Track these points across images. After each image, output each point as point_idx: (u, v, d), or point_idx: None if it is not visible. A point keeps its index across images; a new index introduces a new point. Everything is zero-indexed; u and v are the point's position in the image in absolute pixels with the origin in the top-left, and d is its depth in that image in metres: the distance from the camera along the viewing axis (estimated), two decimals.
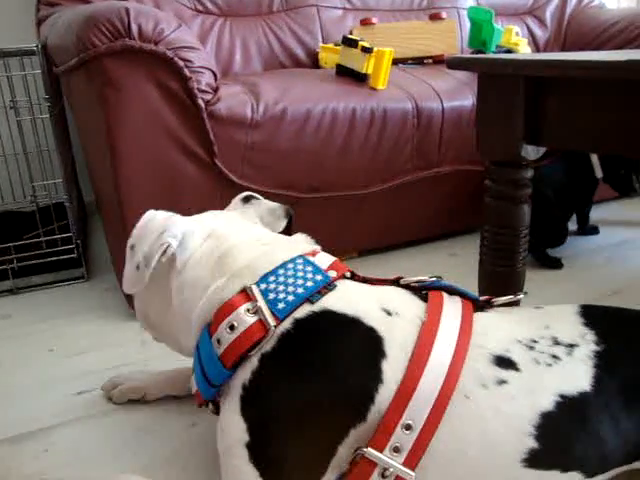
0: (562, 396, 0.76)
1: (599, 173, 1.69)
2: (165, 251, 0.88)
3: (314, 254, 0.89)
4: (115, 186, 1.38)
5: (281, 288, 0.81)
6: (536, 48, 2.57)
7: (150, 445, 1.04)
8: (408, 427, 0.73)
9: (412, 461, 0.74)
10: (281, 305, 0.79)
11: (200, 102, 1.38)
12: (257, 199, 1.05)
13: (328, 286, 0.83)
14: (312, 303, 0.80)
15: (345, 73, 1.72)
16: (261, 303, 0.79)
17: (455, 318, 0.81)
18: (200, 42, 1.93)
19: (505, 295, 0.92)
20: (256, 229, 0.96)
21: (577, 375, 0.78)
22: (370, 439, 0.74)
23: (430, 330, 0.78)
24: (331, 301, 0.81)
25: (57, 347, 1.39)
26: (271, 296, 0.80)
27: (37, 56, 1.60)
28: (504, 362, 0.78)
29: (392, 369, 0.75)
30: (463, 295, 0.88)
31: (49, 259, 1.73)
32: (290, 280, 0.82)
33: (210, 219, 0.97)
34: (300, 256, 0.86)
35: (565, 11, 2.64)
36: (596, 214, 2.21)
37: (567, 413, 0.76)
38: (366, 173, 1.64)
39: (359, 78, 1.68)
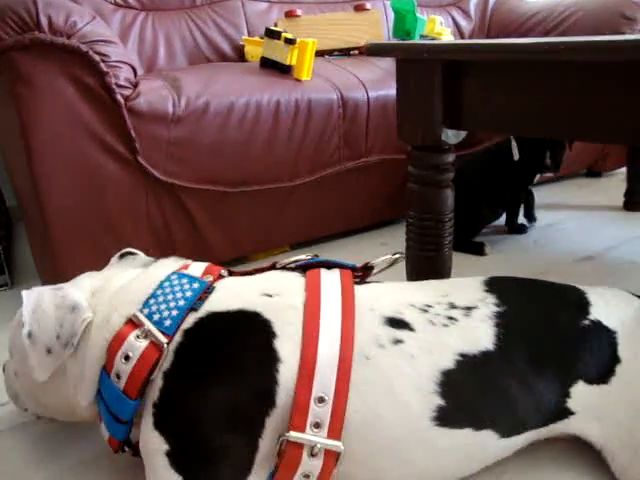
0: (463, 355, 0.79)
1: (516, 155, 1.72)
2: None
3: (186, 267, 0.90)
4: (34, 187, 1.33)
5: (163, 307, 0.82)
6: (461, 38, 2.62)
7: (77, 448, 1.01)
8: (321, 400, 0.74)
9: (335, 432, 0.75)
10: (167, 322, 0.80)
11: (119, 98, 1.34)
12: (134, 254, 1.05)
13: (207, 290, 0.84)
14: (196, 310, 0.81)
15: (269, 65, 1.71)
16: (148, 325, 0.80)
17: (335, 287, 0.83)
18: (121, 38, 1.90)
19: (431, 278, 0.93)
20: (127, 270, 0.94)
21: (477, 335, 0.81)
22: (289, 423, 0.74)
23: (313, 301, 0.80)
24: (213, 303, 0.82)
25: None
26: (156, 317, 0.81)
27: None
28: (397, 323, 0.80)
29: (287, 346, 0.77)
30: (341, 266, 0.91)
31: None
32: (169, 297, 0.83)
33: (89, 280, 0.93)
34: (173, 272, 0.87)
35: (488, 3, 2.71)
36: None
37: (470, 371, 0.78)
38: (293, 165, 1.63)
39: (283, 70, 1.67)
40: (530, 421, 0.82)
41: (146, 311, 0.82)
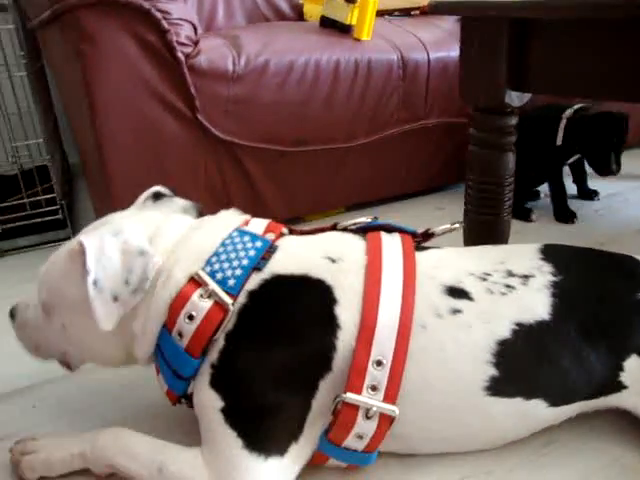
0: (519, 324, 0.78)
1: (559, 140, 1.63)
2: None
3: (247, 223, 0.88)
4: (96, 144, 1.36)
5: (226, 265, 0.80)
6: None
7: (135, 400, 1.05)
8: (379, 363, 0.74)
9: (391, 396, 0.75)
10: (231, 282, 0.79)
11: (180, 55, 1.35)
12: (169, 197, 0.98)
13: (270, 249, 0.83)
14: (260, 270, 0.80)
15: (329, 24, 1.69)
16: (212, 285, 0.79)
17: (396, 252, 0.82)
18: None
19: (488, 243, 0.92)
20: (182, 219, 0.91)
21: (534, 304, 0.79)
22: (346, 384, 0.75)
23: (374, 267, 0.80)
24: (277, 263, 0.81)
25: None
26: (219, 276, 0.80)
27: (9, 11, 1.56)
28: (456, 292, 0.79)
29: (347, 312, 0.77)
30: (401, 231, 0.89)
31: (34, 221, 1.71)
32: (232, 255, 0.81)
33: (135, 225, 0.87)
34: (235, 229, 0.85)
35: None
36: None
37: (525, 341, 0.77)
38: (351, 126, 1.62)
39: (343, 29, 1.65)
40: (581, 392, 0.81)
41: (208, 269, 0.81)
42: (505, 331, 0.77)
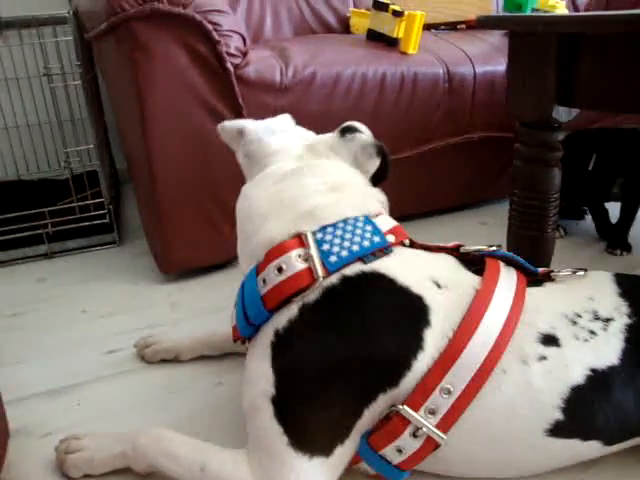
0: (593, 370, 0.77)
1: (590, 165, 1.55)
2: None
3: (378, 215, 0.87)
4: (145, 151, 1.39)
5: (337, 242, 0.80)
6: (576, 12, 2.49)
7: (177, 402, 1.07)
8: (447, 391, 0.73)
9: (445, 425, 0.75)
10: (333, 258, 0.78)
11: (229, 66, 1.37)
12: (352, 134, 0.97)
13: (384, 250, 0.81)
14: (364, 263, 0.79)
15: (376, 38, 1.70)
16: (314, 252, 0.79)
17: (509, 292, 0.80)
18: (231, 8, 1.93)
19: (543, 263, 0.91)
20: (336, 172, 0.91)
21: (608, 350, 0.78)
22: (407, 397, 0.74)
23: (483, 301, 0.78)
24: (383, 265, 0.80)
25: (90, 308, 1.43)
26: (325, 247, 0.79)
27: (69, 23, 1.61)
28: (548, 340, 0.78)
29: (435, 338, 0.75)
30: (521, 266, 0.87)
31: (82, 224, 1.76)
32: (347, 236, 0.80)
33: (303, 140, 0.99)
34: (364, 214, 0.85)
35: None
36: None
37: (595, 387, 0.76)
38: (396, 138, 1.62)
39: (390, 42, 1.66)
40: (636, 430, 0.80)
41: (319, 235, 0.80)
42: (580, 377, 0.76)
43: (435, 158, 1.71)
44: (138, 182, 1.62)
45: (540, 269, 0.89)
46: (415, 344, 0.75)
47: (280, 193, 0.87)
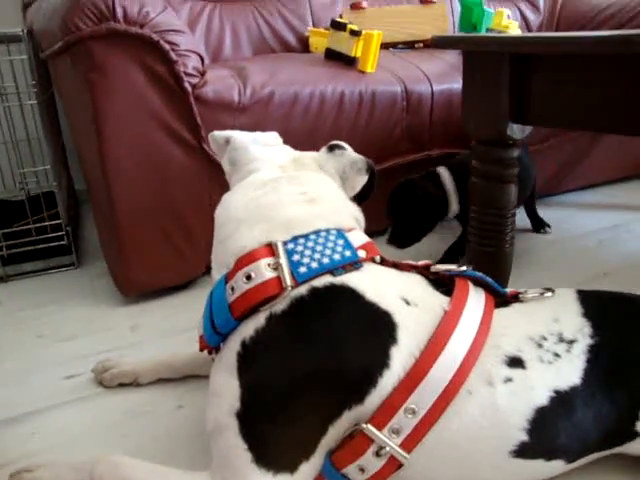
0: (556, 391, 0.77)
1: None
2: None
3: (350, 230, 0.87)
4: (103, 172, 1.37)
5: (307, 253, 0.80)
6: (529, 32, 2.56)
7: (138, 427, 1.04)
8: (411, 411, 0.73)
9: (409, 444, 0.74)
10: (302, 269, 0.78)
11: (187, 86, 1.37)
12: (341, 150, 1.01)
13: (354, 264, 0.81)
14: (334, 276, 0.79)
15: (334, 57, 1.72)
16: (283, 261, 0.78)
17: (477, 314, 0.80)
18: (189, 28, 1.93)
19: (493, 275, 0.92)
20: (315, 184, 0.92)
21: (571, 370, 0.79)
22: (371, 416, 0.74)
23: (450, 322, 0.78)
24: (353, 279, 0.79)
25: (47, 333, 1.39)
26: (295, 258, 0.79)
27: (23, 42, 1.59)
28: (514, 362, 0.78)
29: (401, 356, 0.75)
30: (489, 287, 0.88)
31: (39, 246, 1.72)
32: (318, 248, 0.80)
33: (288, 153, 1.01)
34: (336, 228, 0.85)
35: None
36: (589, 198, 2.22)
37: (558, 407, 0.77)
38: None
39: (348, 61, 1.67)
40: (598, 446, 0.81)
41: (291, 246, 0.80)
42: (543, 399, 0.77)
43: (395, 175, 1.72)
44: (97, 203, 1.59)
45: (508, 290, 0.90)
46: (381, 361, 0.74)
47: (256, 200, 0.88)
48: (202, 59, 1.43)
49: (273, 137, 1.08)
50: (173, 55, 1.34)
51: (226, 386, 0.76)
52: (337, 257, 0.80)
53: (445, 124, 1.74)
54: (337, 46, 1.71)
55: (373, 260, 0.86)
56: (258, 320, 0.77)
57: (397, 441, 0.74)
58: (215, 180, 1.48)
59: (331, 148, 1.01)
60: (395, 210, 1.53)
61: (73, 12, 1.27)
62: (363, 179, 1.00)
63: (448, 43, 1.12)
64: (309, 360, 0.74)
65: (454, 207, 1.50)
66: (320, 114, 1.55)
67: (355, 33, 1.63)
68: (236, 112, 1.44)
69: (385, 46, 2.05)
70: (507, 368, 0.77)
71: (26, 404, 1.13)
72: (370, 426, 0.74)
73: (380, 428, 0.74)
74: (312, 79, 1.56)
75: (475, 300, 0.83)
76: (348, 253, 0.81)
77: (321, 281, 0.78)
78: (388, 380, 0.74)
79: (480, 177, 1.14)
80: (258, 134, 1.05)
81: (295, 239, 0.82)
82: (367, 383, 0.74)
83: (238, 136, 1.02)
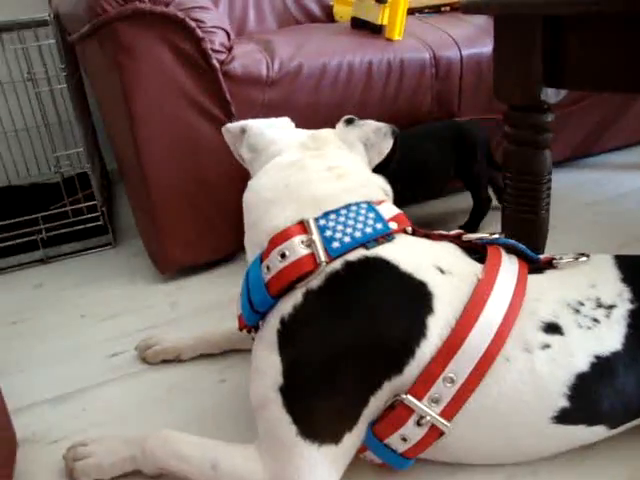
0: (597, 357, 0.77)
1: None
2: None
3: (380, 202, 0.88)
4: (135, 152, 1.39)
5: (339, 228, 0.80)
6: None
7: (183, 403, 1.07)
8: (450, 380, 0.74)
9: (449, 413, 0.75)
10: (335, 244, 0.79)
11: (214, 62, 1.37)
12: (361, 120, 1.03)
13: (387, 236, 0.82)
14: (367, 249, 0.80)
15: (360, 25, 1.69)
16: (316, 237, 0.80)
17: (510, 280, 0.80)
18: (213, 3, 1.92)
19: (527, 242, 0.91)
20: (340, 159, 0.94)
21: (611, 336, 0.78)
22: (410, 387, 0.75)
23: (484, 290, 0.78)
24: (386, 251, 0.80)
25: (89, 312, 1.43)
26: (328, 233, 0.80)
27: (50, 26, 1.60)
28: (551, 328, 0.78)
29: (438, 326, 0.75)
30: (523, 254, 0.87)
31: (76, 228, 1.76)
32: (350, 222, 0.81)
33: (309, 134, 1.01)
34: (366, 202, 0.86)
35: None
36: (626, 158, 2.17)
37: (599, 373, 0.77)
38: None
39: (374, 30, 1.65)
40: (638, 412, 0.81)
41: (322, 222, 0.82)
42: (584, 365, 0.77)
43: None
44: (130, 183, 1.61)
45: (542, 256, 0.89)
46: (418, 331, 0.75)
47: (284, 180, 0.89)
48: (228, 35, 1.43)
49: (286, 122, 1.09)
50: (199, 32, 1.33)
51: (268, 362, 0.78)
52: (369, 230, 0.81)
53: (475, 89, 1.71)
54: (363, 14, 1.68)
55: (405, 231, 0.86)
56: (295, 297, 0.79)
57: (437, 410, 0.75)
58: None
59: (349, 121, 1.03)
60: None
61: None
62: (389, 143, 1.01)
63: (478, 8, 1.10)
64: (348, 333, 0.75)
65: None
66: (349, 85, 1.53)
67: (381, 1, 1.60)
68: (265, 86, 1.44)
69: (411, 11, 2.01)
70: (544, 334, 0.77)
71: (74, 382, 1.16)
72: (410, 396, 0.75)
73: (420, 398, 0.75)
74: (339, 49, 1.54)
75: (508, 267, 0.82)
76: (379, 226, 0.82)
77: (355, 255, 0.79)
78: (426, 350, 0.75)
79: (514, 143, 1.13)
80: (271, 119, 1.06)
81: (326, 215, 0.83)
82: (405, 354, 0.75)
83: (254, 123, 1.03)
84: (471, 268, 0.82)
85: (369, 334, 0.75)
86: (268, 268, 0.81)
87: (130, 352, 1.23)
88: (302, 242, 0.80)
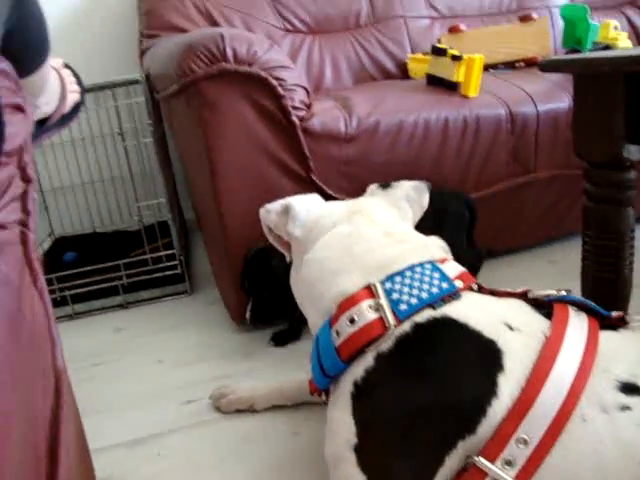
0: None
1: None
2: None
3: (443, 261, 0.88)
4: (215, 203, 1.44)
5: (405, 290, 0.81)
6: (638, 41, 2.45)
7: (255, 453, 1.08)
8: (523, 441, 0.71)
9: (524, 477, 0.72)
10: (403, 306, 0.79)
11: (294, 119, 1.41)
12: (397, 182, 1.07)
13: (453, 295, 0.82)
14: (434, 309, 0.80)
15: (436, 82, 1.72)
16: (384, 301, 0.80)
17: (580, 337, 0.78)
18: (291, 60, 2.00)
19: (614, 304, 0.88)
20: (394, 223, 0.97)
21: None
22: (482, 448, 0.73)
23: (553, 346, 0.76)
24: (454, 310, 0.80)
25: (166, 358, 1.47)
26: (394, 296, 0.81)
27: (141, 85, 1.70)
28: (629, 388, 0.74)
29: (509, 384, 0.74)
30: (593, 311, 0.85)
31: (155, 275, 1.82)
32: (416, 284, 0.82)
33: (350, 205, 1.01)
34: (429, 262, 0.86)
35: None
36: None
37: None
38: (460, 182, 1.62)
39: (450, 87, 1.67)
40: None
41: (388, 286, 0.82)
42: None
43: (500, 198, 1.70)
44: (208, 233, 1.67)
45: (614, 313, 0.86)
46: (489, 390, 0.74)
47: (346, 250, 0.90)
48: (307, 92, 1.48)
49: (318, 197, 1.09)
50: (280, 90, 1.39)
51: (342, 424, 0.78)
52: (435, 290, 0.81)
53: (552, 145, 1.70)
54: (438, 71, 1.71)
55: (471, 289, 0.86)
56: (367, 361, 0.79)
57: (511, 473, 0.72)
58: None
59: (385, 185, 1.07)
60: (252, 284, 1.44)
61: (188, 56, 1.35)
62: (427, 197, 1.05)
63: (557, 67, 1.10)
64: (420, 395, 0.75)
65: None
66: (425, 141, 1.55)
67: (456, 58, 1.63)
68: (343, 143, 1.48)
69: (485, 68, 2.03)
70: (621, 394, 0.74)
71: (150, 427, 1.19)
72: (482, 459, 0.72)
73: (492, 460, 0.72)
74: (416, 106, 1.57)
75: (577, 323, 0.80)
76: (445, 285, 0.82)
77: (423, 316, 0.79)
78: (497, 409, 0.73)
79: (595, 201, 1.11)
80: (306, 195, 1.07)
81: (391, 277, 0.83)
82: (477, 412, 0.73)
83: (295, 201, 1.04)
84: (539, 324, 0.80)
85: (441, 394, 0.74)
86: (338, 333, 0.82)
87: (204, 400, 1.25)
88: (370, 307, 0.81)
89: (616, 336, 0.82)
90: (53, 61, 0.86)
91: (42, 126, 0.94)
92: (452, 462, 0.74)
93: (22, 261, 0.65)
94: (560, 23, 2.25)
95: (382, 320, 0.79)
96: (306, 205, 1.03)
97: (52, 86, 0.92)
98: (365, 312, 0.80)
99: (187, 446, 1.12)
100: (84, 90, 1.05)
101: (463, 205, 1.50)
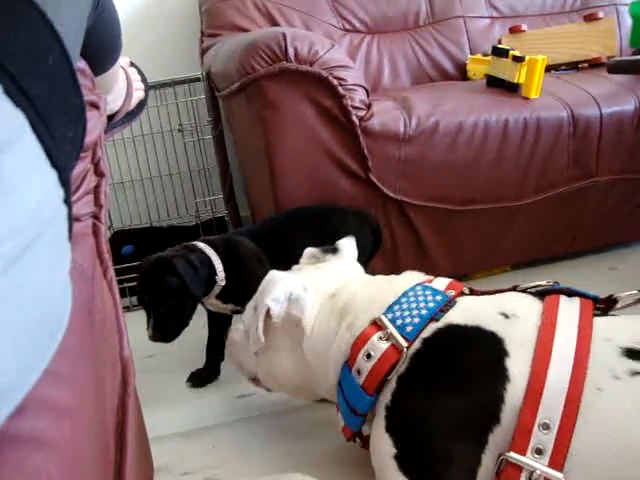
0: None
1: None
2: (268, 312, 0.98)
3: (430, 281, 0.95)
4: (274, 201, 1.46)
5: (406, 314, 0.87)
6: None
7: (310, 445, 1.09)
8: (546, 426, 0.72)
9: (557, 462, 0.72)
10: (409, 328, 0.85)
11: (354, 119, 1.42)
12: (335, 246, 1.13)
13: (449, 303, 0.88)
14: (437, 321, 0.85)
15: (496, 84, 1.70)
16: (391, 329, 0.86)
17: (574, 310, 0.82)
18: (350, 58, 2.01)
19: None
20: (366, 279, 1.04)
21: None
22: (510, 443, 0.74)
23: (549, 326, 0.80)
24: (453, 316, 0.86)
25: None
26: (399, 322, 0.87)
27: (201, 83, 1.73)
28: (635, 354, 0.74)
29: (517, 366, 0.77)
30: (582, 295, 0.88)
31: None
32: (413, 305, 0.88)
33: (320, 276, 1.04)
34: (418, 284, 0.93)
35: None
36: None
37: None
38: (520, 184, 1.60)
39: (511, 88, 1.65)
40: None
41: (390, 316, 0.88)
42: None
43: (561, 202, 1.67)
44: None
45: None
46: (501, 376, 0.76)
47: (340, 309, 0.96)
48: (367, 92, 1.48)
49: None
50: (341, 90, 1.40)
51: (382, 440, 0.83)
52: (432, 305, 0.88)
53: (615, 149, 1.66)
54: (499, 73, 1.69)
55: (463, 294, 0.92)
56: (391, 386, 0.84)
57: (544, 461, 0.72)
58: (380, 208, 1.52)
59: (334, 250, 1.12)
60: (152, 297, 1.23)
61: (249, 55, 1.37)
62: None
63: (627, 69, 1.08)
64: (445, 400, 0.79)
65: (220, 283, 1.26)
66: (484, 143, 1.54)
67: (518, 59, 1.60)
68: (402, 143, 1.47)
69: (547, 69, 1.99)
70: (628, 360, 0.74)
71: (205, 419, 1.22)
72: (513, 453, 0.73)
73: (523, 452, 0.73)
74: (476, 108, 1.56)
75: (568, 302, 0.84)
76: (439, 297, 0.89)
77: (428, 330, 0.85)
78: (513, 392, 0.75)
79: None
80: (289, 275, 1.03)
81: (390, 308, 0.90)
82: (496, 401, 0.75)
83: (289, 282, 0.99)
84: (533, 306, 0.85)
85: (461, 393, 0.78)
86: (359, 372, 0.87)
87: (255, 395, 1.27)
88: (380, 338, 0.87)
89: (613, 317, 0.85)
90: (121, 60, 0.89)
91: (109, 123, 0.98)
92: (487, 460, 0.76)
93: (94, 252, 0.68)
94: (627, 22, 2.18)
95: (395, 347, 0.85)
96: (296, 287, 1.00)
97: (120, 84, 0.95)
98: (378, 344, 0.86)
99: (240, 439, 1.14)
100: (148, 88, 1.08)
101: (367, 228, 1.42)
